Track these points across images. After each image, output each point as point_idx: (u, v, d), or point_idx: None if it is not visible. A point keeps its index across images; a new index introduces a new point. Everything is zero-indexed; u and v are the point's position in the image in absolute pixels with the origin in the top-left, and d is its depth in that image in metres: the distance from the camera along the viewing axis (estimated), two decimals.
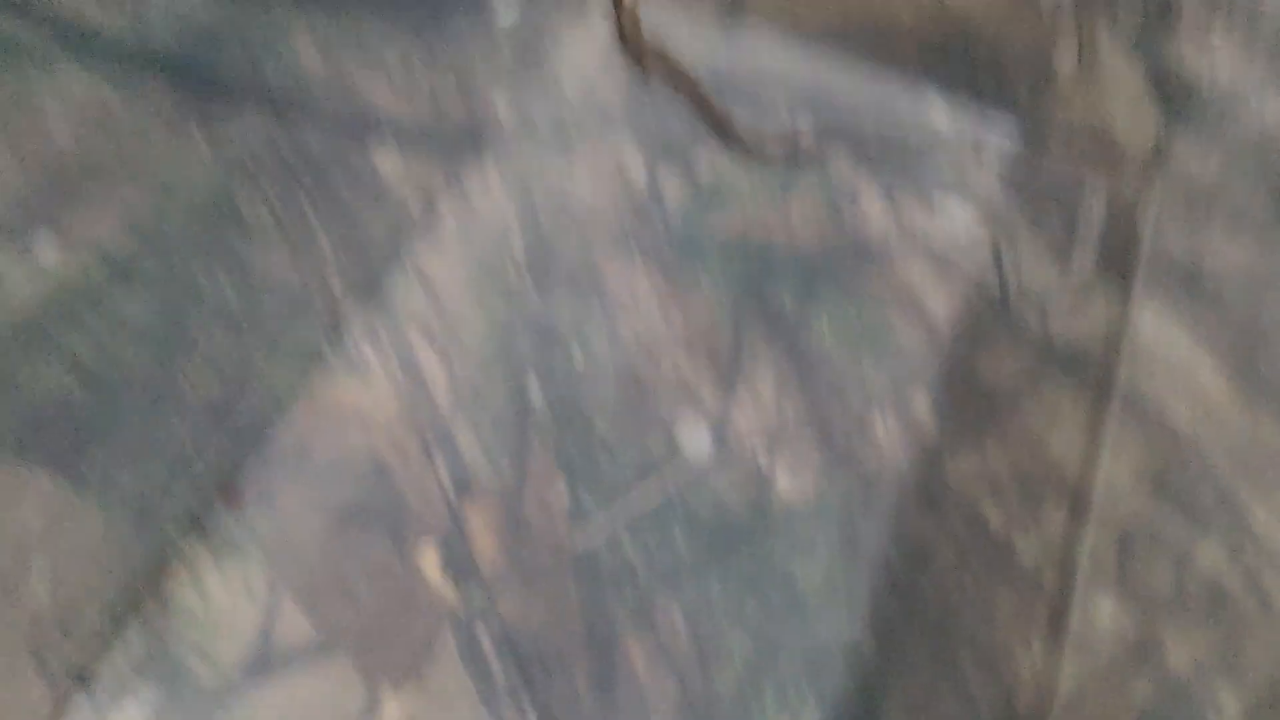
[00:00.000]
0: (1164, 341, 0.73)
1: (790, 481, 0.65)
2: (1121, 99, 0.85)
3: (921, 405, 0.70)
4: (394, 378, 0.62)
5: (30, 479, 0.54)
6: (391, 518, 0.58)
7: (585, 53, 0.82)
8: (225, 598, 0.55)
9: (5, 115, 0.55)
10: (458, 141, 0.74)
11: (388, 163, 0.70)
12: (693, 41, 0.84)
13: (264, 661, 0.54)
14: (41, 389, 0.53)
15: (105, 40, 0.58)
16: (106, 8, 0.59)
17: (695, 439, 0.65)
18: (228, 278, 0.60)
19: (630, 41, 0.82)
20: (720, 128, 0.80)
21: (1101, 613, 0.62)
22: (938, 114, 0.86)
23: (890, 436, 0.68)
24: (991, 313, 0.75)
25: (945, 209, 0.80)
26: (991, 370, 0.72)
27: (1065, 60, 0.87)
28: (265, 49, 0.65)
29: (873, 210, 0.79)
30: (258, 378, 0.59)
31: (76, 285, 0.54)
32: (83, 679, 0.52)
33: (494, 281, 0.68)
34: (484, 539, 0.59)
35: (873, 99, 0.85)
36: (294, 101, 0.66)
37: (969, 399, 0.71)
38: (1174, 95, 0.84)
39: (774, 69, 0.85)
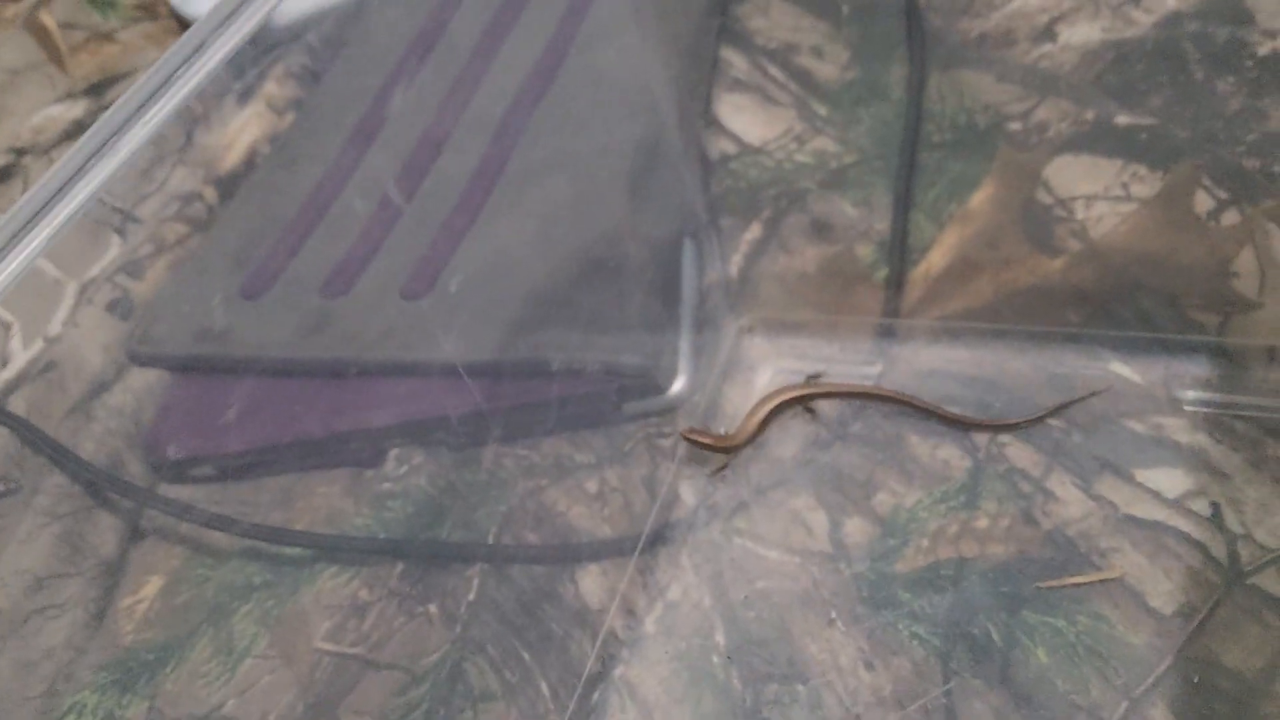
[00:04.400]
0: None
1: None
2: None
3: (1164, 718, 0.66)
4: None
5: None
6: None
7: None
8: None
9: (283, 631, 0.66)
10: (650, 539, 0.80)
11: (589, 581, 0.77)
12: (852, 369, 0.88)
13: None
14: None
15: (354, 538, 0.70)
16: (360, 503, 0.70)
17: None
18: None
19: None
20: (933, 414, 0.82)
21: None
22: (1119, 366, 0.84)
23: None
24: (1224, 587, 0.71)
25: (1148, 477, 0.77)
26: (1237, 657, 0.68)
27: (1247, 279, 0.83)
28: (483, 506, 0.75)
29: (1068, 499, 0.77)
30: None
31: None
32: None
33: (701, 680, 0.73)
34: None
35: (1046, 368, 0.84)
36: (507, 548, 0.76)
37: (1216, 698, 0.66)
38: None
39: (937, 368, 0.86)
